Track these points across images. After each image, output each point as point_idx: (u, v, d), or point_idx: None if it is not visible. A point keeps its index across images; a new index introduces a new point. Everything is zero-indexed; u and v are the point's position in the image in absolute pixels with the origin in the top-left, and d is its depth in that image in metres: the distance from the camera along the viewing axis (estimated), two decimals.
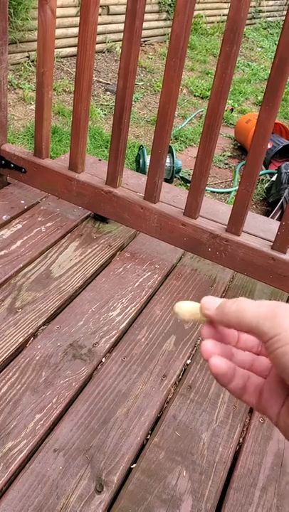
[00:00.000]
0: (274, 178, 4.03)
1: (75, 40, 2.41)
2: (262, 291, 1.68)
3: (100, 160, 2.25)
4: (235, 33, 1.32)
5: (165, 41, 6.57)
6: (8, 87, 4.42)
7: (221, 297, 1.13)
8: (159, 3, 6.25)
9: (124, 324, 1.46)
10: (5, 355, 1.30)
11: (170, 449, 1.16)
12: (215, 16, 7.50)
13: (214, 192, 4.00)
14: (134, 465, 1.12)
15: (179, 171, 3.96)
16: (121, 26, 1.76)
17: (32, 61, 4.85)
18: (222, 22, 7.51)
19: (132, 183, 2.03)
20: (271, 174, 4.23)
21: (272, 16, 8.99)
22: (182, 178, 4.05)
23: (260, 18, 8.60)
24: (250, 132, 3.95)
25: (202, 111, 5.21)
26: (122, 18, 1.52)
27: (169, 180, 3.85)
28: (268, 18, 8.88)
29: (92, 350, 1.36)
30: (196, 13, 6.87)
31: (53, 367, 1.29)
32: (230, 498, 1.09)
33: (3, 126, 1.85)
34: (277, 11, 9.07)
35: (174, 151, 3.92)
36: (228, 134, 4.99)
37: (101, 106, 4.83)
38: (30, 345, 1.35)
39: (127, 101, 1.55)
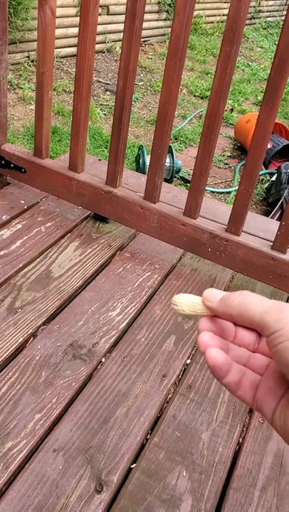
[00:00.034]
0: (274, 178, 4.03)
1: (74, 40, 2.41)
2: (262, 291, 1.68)
3: (99, 160, 2.25)
4: (235, 33, 1.32)
5: (165, 41, 6.57)
6: (8, 87, 4.42)
7: None
8: (159, 3, 6.25)
9: (124, 324, 1.46)
10: (5, 355, 1.30)
11: (170, 448, 1.16)
12: (215, 15, 7.51)
13: (214, 192, 4.00)
14: (134, 465, 1.12)
15: (178, 170, 3.95)
16: (121, 26, 1.76)
17: (32, 61, 4.85)
18: (222, 22, 7.51)
19: (132, 183, 2.03)
20: (271, 174, 4.23)
21: (272, 16, 8.99)
22: (182, 178, 4.05)
23: (260, 18, 8.60)
24: (250, 132, 3.95)
25: (202, 111, 5.21)
26: (122, 18, 1.52)
27: (168, 180, 3.85)
28: (268, 18, 8.88)
29: (92, 350, 1.36)
30: (195, 13, 6.87)
31: (53, 367, 1.29)
32: (230, 498, 1.09)
33: (3, 126, 1.85)
34: (277, 11, 9.07)
35: (173, 151, 3.92)
36: (228, 134, 4.99)
37: (101, 106, 4.83)
38: (30, 345, 1.35)
39: (126, 101, 1.55)
